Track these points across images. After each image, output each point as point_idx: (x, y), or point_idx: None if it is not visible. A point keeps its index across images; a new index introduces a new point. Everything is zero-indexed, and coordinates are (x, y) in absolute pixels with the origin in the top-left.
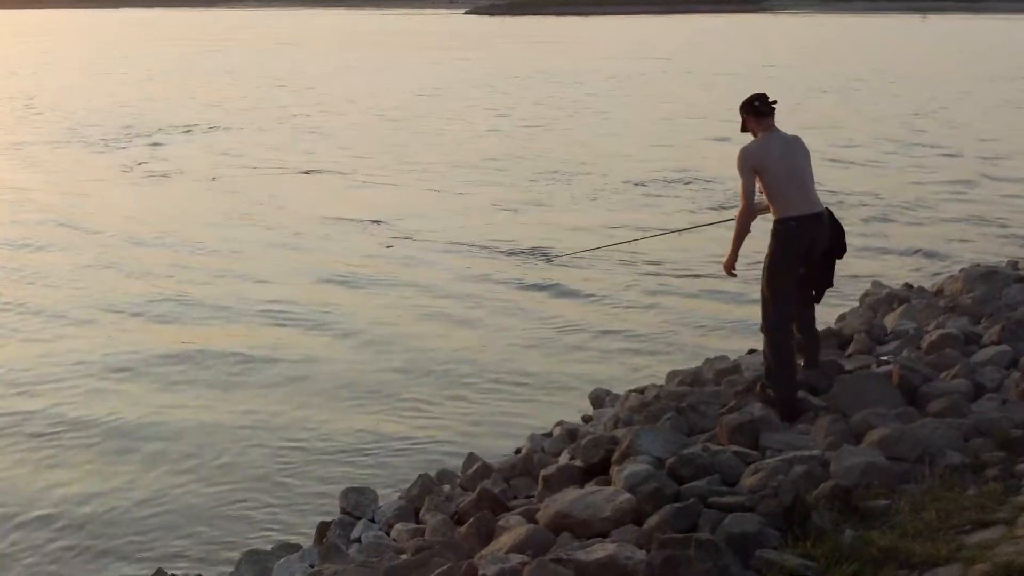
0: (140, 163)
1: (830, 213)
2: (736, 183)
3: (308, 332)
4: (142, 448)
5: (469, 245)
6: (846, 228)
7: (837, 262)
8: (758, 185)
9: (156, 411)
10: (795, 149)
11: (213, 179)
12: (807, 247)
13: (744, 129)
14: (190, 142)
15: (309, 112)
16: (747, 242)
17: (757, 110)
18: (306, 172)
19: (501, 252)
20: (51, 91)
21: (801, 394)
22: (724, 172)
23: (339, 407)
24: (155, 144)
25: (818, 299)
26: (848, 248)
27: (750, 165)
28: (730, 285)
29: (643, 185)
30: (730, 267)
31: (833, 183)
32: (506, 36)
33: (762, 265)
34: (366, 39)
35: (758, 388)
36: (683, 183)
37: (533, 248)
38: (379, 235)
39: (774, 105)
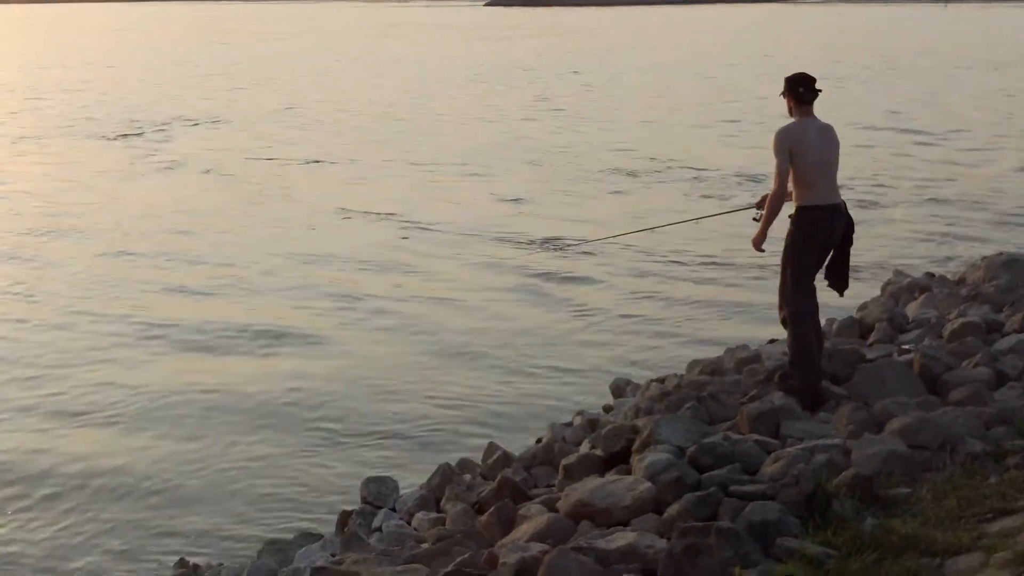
0: (148, 155)
1: (845, 205)
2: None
3: (328, 323)
4: (162, 439)
5: (487, 235)
6: (868, 216)
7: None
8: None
9: (176, 401)
10: (828, 138)
11: (208, 171)
12: (827, 236)
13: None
14: (201, 134)
15: (327, 104)
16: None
17: (801, 96)
18: (321, 163)
19: (519, 242)
20: (65, 84)
21: (823, 383)
22: (740, 164)
23: (359, 397)
24: (165, 137)
25: (841, 292)
26: (869, 238)
27: (787, 147)
28: (751, 274)
29: (660, 175)
30: (759, 244)
31: (856, 171)
32: (527, 28)
33: (782, 254)
34: (386, 32)
35: (777, 378)
36: (700, 173)
37: (551, 238)
38: (395, 226)
39: (819, 91)
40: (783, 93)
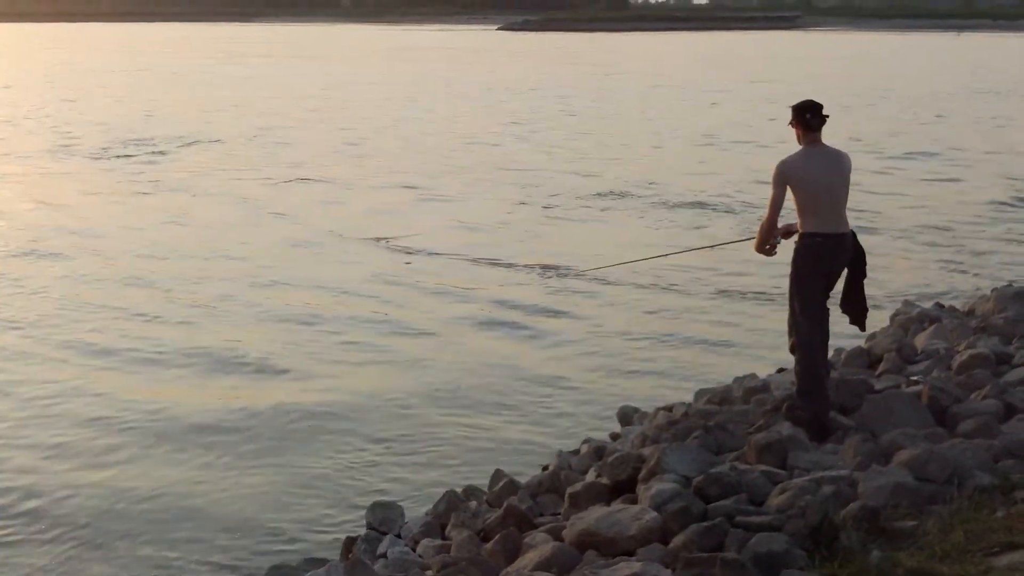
0: (143, 175)
1: (854, 235)
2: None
3: (331, 348)
4: (167, 463)
5: (492, 260)
6: (878, 246)
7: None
8: (792, 197)
9: (179, 426)
10: (837, 167)
11: (194, 195)
12: (829, 265)
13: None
14: (193, 155)
15: (332, 124)
16: (773, 263)
17: (808, 123)
18: (312, 182)
19: (525, 267)
20: (61, 102)
21: (831, 413)
22: (745, 191)
23: (366, 423)
24: (157, 157)
25: (861, 325)
26: (879, 268)
27: (785, 178)
28: (759, 303)
29: (664, 202)
30: (760, 250)
31: (864, 201)
32: (540, 52)
33: (788, 283)
34: (401, 55)
35: (784, 408)
36: (704, 202)
37: (558, 263)
38: (398, 250)
39: (826, 118)
40: (791, 122)
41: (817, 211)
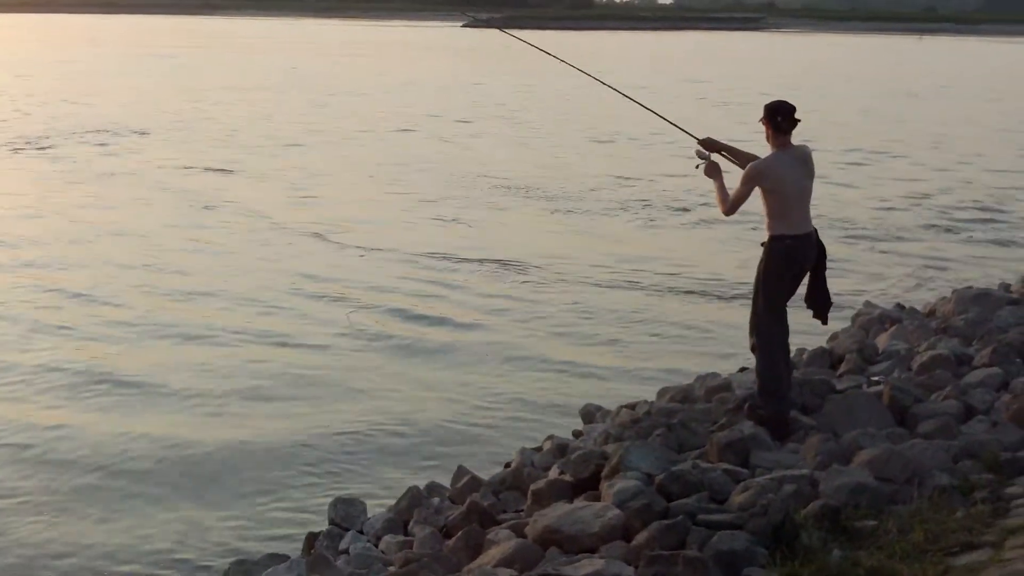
0: (89, 166)
1: (816, 232)
2: None
3: (294, 343)
4: (130, 457)
5: (453, 256)
6: (838, 247)
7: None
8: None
9: (143, 421)
10: (807, 168)
11: (133, 184)
12: (800, 266)
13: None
14: (156, 146)
15: (290, 120)
16: (734, 260)
17: (779, 126)
18: (254, 178)
19: (479, 263)
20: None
21: (792, 413)
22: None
23: (328, 418)
24: (95, 149)
25: (824, 319)
26: (840, 269)
27: (755, 181)
28: (722, 302)
29: (614, 197)
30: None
31: (826, 201)
32: (504, 49)
33: (754, 282)
34: (361, 50)
35: (746, 407)
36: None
37: (520, 260)
38: (352, 245)
39: (797, 121)
40: (762, 119)
41: (788, 213)
